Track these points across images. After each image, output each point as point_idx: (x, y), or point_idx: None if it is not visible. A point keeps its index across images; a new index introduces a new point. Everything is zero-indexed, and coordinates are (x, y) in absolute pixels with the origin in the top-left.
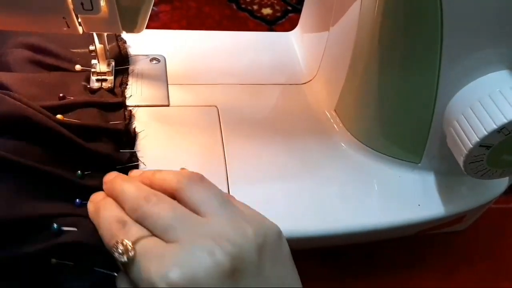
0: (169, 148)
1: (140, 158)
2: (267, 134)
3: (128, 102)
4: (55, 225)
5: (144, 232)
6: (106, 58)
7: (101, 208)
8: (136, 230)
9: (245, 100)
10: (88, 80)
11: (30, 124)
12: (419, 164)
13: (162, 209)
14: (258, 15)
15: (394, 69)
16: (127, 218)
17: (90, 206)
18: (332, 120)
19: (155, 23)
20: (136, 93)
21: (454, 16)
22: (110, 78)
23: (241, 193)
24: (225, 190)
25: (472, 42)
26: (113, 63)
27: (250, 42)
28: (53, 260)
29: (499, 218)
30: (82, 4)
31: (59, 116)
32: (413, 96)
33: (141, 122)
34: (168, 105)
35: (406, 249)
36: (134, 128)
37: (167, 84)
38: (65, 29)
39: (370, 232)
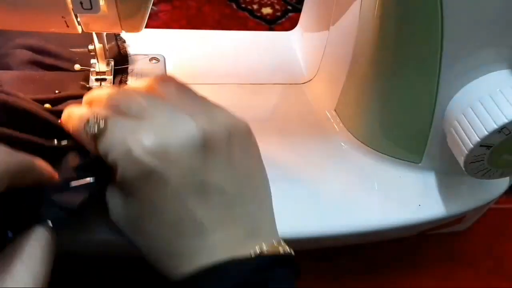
0: None
1: None
2: (267, 134)
3: None
4: (9, 233)
5: (116, 114)
6: (106, 58)
7: (74, 110)
8: (108, 111)
9: (245, 100)
10: (87, 79)
11: (13, 109)
12: (420, 164)
13: (137, 95)
14: (258, 14)
15: (394, 68)
16: (98, 109)
17: (64, 114)
18: (332, 120)
19: (155, 22)
20: None
21: (454, 16)
22: (109, 77)
23: None
24: None
25: (472, 42)
26: (112, 63)
27: (250, 42)
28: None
29: (500, 218)
30: (81, 3)
31: (46, 105)
32: (414, 96)
33: None
34: None
35: (406, 249)
36: None
37: None
38: (64, 28)
39: (370, 232)
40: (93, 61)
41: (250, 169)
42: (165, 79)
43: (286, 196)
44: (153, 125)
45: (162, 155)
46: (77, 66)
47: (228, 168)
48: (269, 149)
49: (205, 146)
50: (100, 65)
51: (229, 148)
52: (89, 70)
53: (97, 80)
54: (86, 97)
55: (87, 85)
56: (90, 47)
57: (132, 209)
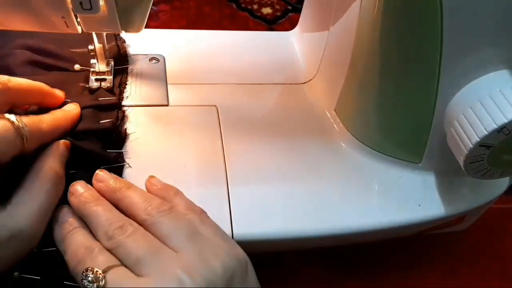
0: (169, 148)
1: (139, 158)
2: (267, 134)
3: (127, 102)
4: (15, 274)
5: (113, 260)
6: (105, 58)
7: (67, 231)
8: (105, 258)
9: (245, 100)
10: (87, 80)
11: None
12: (420, 164)
13: (137, 241)
14: (258, 14)
15: (394, 69)
16: (94, 244)
17: (57, 229)
18: (332, 120)
19: (155, 22)
20: (135, 92)
21: (454, 16)
22: (109, 77)
23: (240, 193)
24: (225, 190)
25: (472, 42)
26: (112, 63)
27: (250, 42)
28: (16, 274)
29: (500, 218)
30: (81, 3)
31: None
32: (414, 96)
33: (140, 122)
34: (167, 105)
35: (406, 249)
36: (125, 129)
37: (167, 84)
38: (64, 28)
39: (370, 232)
40: (93, 61)
41: None
42: (161, 210)
43: (286, 196)
44: (148, 286)
45: None
46: (77, 66)
47: None
48: (269, 149)
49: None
50: (100, 65)
51: None
52: (89, 70)
53: (97, 80)
54: (75, 189)
55: (87, 85)
56: (90, 47)
57: None
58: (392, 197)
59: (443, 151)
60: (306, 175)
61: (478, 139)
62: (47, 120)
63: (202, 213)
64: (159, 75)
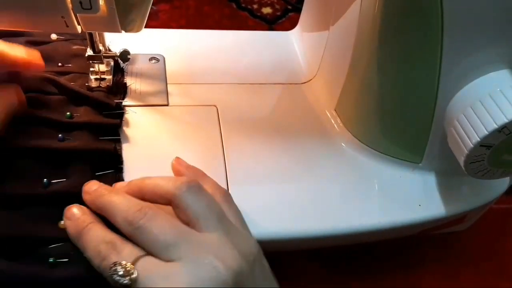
0: (169, 148)
1: (139, 158)
2: (267, 134)
3: (127, 102)
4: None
5: (138, 250)
6: (104, 50)
7: (83, 228)
8: (129, 250)
9: (245, 100)
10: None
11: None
12: (420, 164)
13: (161, 226)
14: (258, 14)
15: (394, 69)
16: (114, 237)
17: (69, 226)
18: (332, 120)
19: (155, 22)
20: (135, 92)
21: (455, 16)
22: (109, 77)
23: (240, 193)
24: None
25: (472, 42)
26: (112, 63)
27: (250, 42)
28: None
29: (500, 218)
30: (80, 3)
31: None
32: (414, 96)
33: (140, 122)
34: (167, 105)
35: (407, 249)
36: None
37: (166, 84)
38: (64, 28)
39: (370, 232)
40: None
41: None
42: (191, 187)
43: (286, 196)
44: (183, 273)
45: None
46: (53, 36)
47: None
48: (269, 149)
49: (236, 285)
50: (99, 65)
51: (253, 279)
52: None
53: (96, 80)
54: (88, 188)
55: (86, 84)
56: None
57: None
58: (392, 197)
59: (443, 151)
60: (306, 175)
61: (479, 139)
62: None
63: (226, 194)
64: (159, 75)
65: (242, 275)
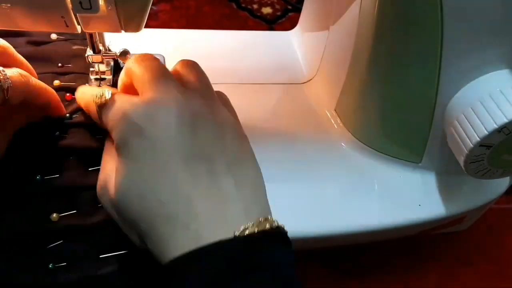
0: None
1: None
2: (267, 134)
3: None
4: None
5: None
6: (104, 50)
7: (87, 88)
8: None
9: (245, 100)
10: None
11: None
12: (420, 164)
13: (148, 67)
14: (258, 14)
15: (394, 68)
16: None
17: (78, 90)
18: (332, 120)
19: (155, 22)
20: None
21: (454, 16)
22: (109, 77)
23: None
24: None
25: (472, 42)
26: (112, 63)
27: (250, 42)
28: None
29: (500, 218)
30: (80, 3)
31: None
32: (414, 96)
33: None
34: None
35: (406, 249)
36: None
37: None
38: (63, 28)
39: (370, 232)
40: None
41: (240, 148)
42: (189, 65)
43: (285, 196)
44: (148, 99)
45: (153, 120)
46: (53, 36)
47: (217, 144)
48: (269, 149)
49: (193, 121)
50: (99, 65)
51: (220, 127)
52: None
53: (96, 79)
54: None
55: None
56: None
57: (132, 174)
58: (392, 197)
59: (443, 151)
60: (306, 175)
61: (479, 139)
62: (35, 80)
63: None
64: None
65: (203, 116)
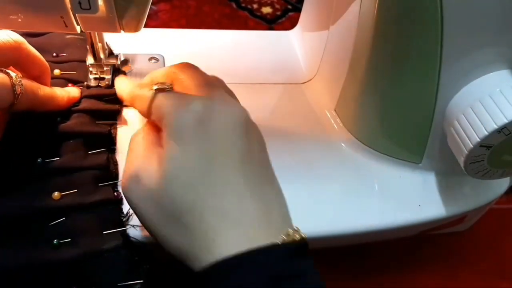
0: None
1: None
2: (267, 134)
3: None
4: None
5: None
6: (105, 57)
7: (135, 87)
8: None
9: (245, 100)
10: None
11: None
12: (420, 164)
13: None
14: (258, 14)
15: (394, 68)
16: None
17: (119, 82)
18: (332, 120)
19: (154, 22)
20: None
21: (454, 16)
22: (108, 77)
23: None
24: None
25: (472, 42)
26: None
27: (250, 41)
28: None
29: (500, 219)
30: (79, 3)
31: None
32: (414, 96)
33: (140, 122)
34: None
35: (406, 249)
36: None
37: None
38: (63, 28)
39: (370, 232)
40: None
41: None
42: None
43: (285, 196)
44: (211, 96)
45: (216, 113)
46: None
47: (263, 150)
48: (269, 149)
49: (247, 126)
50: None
51: (251, 135)
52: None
53: (95, 79)
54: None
55: (85, 82)
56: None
57: (184, 161)
58: (392, 197)
59: (443, 151)
60: (306, 175)
61: (479, 140)
62: (44, 89)
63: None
64: None
65: (253, 123)
